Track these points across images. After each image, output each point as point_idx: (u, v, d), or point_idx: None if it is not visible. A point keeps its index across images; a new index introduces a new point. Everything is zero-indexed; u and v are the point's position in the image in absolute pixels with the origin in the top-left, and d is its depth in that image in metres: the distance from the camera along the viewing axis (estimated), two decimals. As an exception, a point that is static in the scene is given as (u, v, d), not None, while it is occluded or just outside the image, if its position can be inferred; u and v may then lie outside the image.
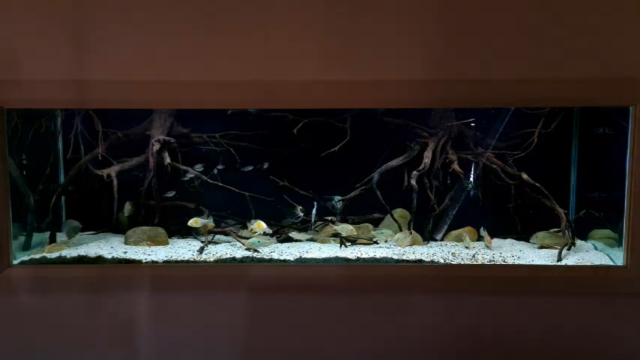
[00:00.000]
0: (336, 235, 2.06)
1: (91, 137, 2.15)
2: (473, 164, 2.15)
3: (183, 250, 1.95)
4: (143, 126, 2.21)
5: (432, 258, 1.83)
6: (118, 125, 2.17)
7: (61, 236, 2.07)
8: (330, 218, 2.18)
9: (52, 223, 2.07)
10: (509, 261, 1.82)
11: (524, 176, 2.05)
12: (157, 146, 2.14)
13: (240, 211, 2.18)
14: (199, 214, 2.10)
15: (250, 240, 1.94)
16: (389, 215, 2.12)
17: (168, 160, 2.14)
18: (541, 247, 2.01)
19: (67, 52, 1.61)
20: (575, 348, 1.72)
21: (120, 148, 2.18)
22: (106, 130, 2.13)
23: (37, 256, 1.83)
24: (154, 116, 2.19)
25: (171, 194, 2.16)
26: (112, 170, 2.12)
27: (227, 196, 2.15)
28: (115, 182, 2.08)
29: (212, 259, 1.82)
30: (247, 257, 1.85)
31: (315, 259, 1.83)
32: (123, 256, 1.84)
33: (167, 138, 2.16)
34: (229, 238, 2.08)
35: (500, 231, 2.16)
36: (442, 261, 1.81)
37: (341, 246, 2.00)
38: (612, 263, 1.78)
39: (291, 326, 1.74)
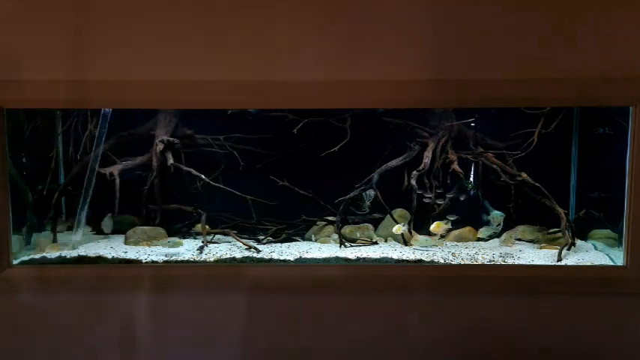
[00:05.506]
0: None
1: (90, 138, 2.15)
2: (473, 164, 2.15)
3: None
4: (148, 125, 2.21)
5: (432, 258, 1.83)
6: (126, 125, 2.18)
7: (61, 237, 2.07)
8: (330, 218, 2.18)
9: (53, 222, 2.07)
10: (509, 261, 1.82)
11: (524, 176, 2.05)
12: (160, 146, 2.14)
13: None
14: (198, 216, 2.10)
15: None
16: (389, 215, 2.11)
17: (171, 160, 2.14)
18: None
19: (67, 52, 1.61)
20: (575, 348, 1.72)
21: (124, 148, 2.18)
22: (104, 131, 2.13)
23: (37, 256, 1.83)
24: (159, 116, 2.19)
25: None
26: (115, 169, 2.12)
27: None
28: (118, 181, 2.08)
29: (212, 259, 1.83)
30: (247, 257, 1.85)
31: (315, 259, 1.84)
32: (123, 255, 1.84)
33: (171, 139, 2.16)
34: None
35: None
36: (442, 261, 1.81)
37: (341, 246, 2.00)
38: (612, 263, 1.78)
39: (291, 326, 1.74)
